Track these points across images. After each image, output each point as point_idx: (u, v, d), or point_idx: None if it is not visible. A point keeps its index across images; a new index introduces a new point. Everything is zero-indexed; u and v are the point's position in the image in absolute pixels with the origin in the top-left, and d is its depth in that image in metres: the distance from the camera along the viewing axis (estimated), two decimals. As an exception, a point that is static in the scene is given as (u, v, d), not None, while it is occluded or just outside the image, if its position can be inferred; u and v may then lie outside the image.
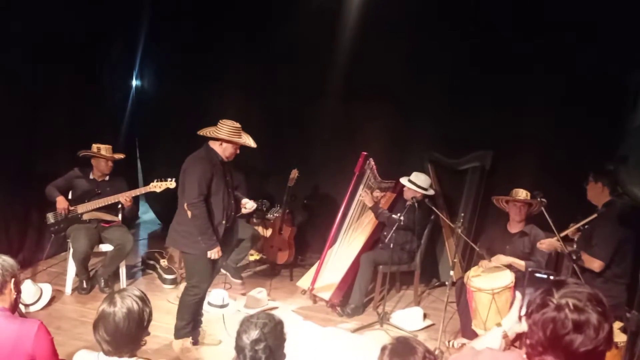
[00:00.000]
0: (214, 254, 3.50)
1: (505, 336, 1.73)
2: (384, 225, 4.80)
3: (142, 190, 4.74)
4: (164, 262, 5.15)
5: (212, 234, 3.47)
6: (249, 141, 3.55)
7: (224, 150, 3.52)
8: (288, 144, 5.99)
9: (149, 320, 2.08)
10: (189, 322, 3.65)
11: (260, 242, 5.55)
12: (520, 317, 1.71)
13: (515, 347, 1.83)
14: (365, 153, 4.50)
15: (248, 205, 3.77)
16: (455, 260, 4.55)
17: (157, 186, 4.53)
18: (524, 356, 1.47)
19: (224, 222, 3.55)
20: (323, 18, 5.33)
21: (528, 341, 1.45)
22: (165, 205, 6.33)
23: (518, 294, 1.76)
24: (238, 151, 3.56)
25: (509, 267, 4.03)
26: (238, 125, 3.52)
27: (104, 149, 4.68)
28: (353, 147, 5.24)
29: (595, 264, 3.30)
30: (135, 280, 5.15)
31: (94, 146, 4.68)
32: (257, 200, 4.31)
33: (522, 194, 4.11)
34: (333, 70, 5.53)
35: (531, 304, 1.46)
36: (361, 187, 4.76)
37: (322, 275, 4.58)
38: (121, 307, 2.00)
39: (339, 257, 4.80)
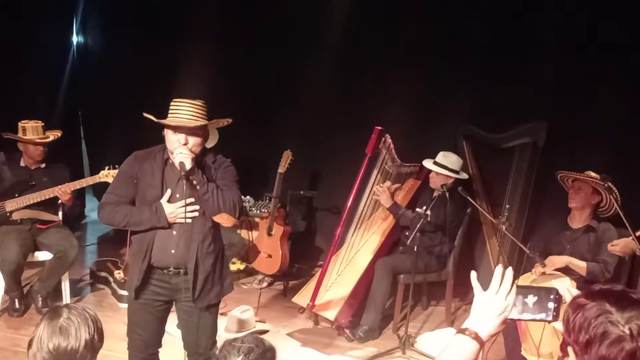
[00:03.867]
0: (165, 218, 3.04)
1: (477, 339, 1.64)
2: (407, 227, 4.77)
3: (89, 180, 4.71)
4: (119, 274, 5.13)
5: (139, 212, 3.10)
6: (178, 117, 3.01)
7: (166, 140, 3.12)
8: (278, 118, 5.99)
9: (99, 347, 2.15)
10: None
11: (245, 248, 5.55)
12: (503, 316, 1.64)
13: None
14: (379, 128, 4.48)
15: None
16: (499, 266, 4.57)
17: (108, 175, 4.49)
18: None
19: (142, 260, 3.11)
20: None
21: None
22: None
23: (497, 273, 1.68)
24: (183, 140, 3.01)
25: (567, 272, 4.05)
26: (179, 100, 3.08)
27: (31, 129, 4.64)
28: (364, 121, 5.23)
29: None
30: (83, 297, 5.14)
31: (20, 125, 4.67)
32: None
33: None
34: (337, 20, 5.53)
35: (582, 330, 1.42)
36: (375, 172, 4.75)
37: (325, 288, 4.57)
38: (67, 323, 2.07)
39: (346, 264, 4.81)
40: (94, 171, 5.26)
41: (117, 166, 4.40)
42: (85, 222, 7.01)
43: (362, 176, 4.54)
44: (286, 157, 5.31)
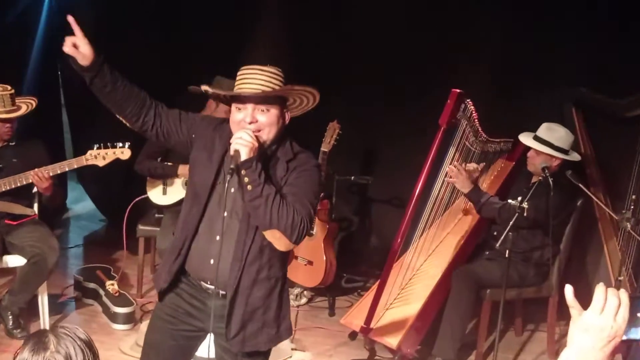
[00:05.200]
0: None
1: None
2: (493, 220, 4.73)
3: (72, 163, 4.71)
4: (111, 286, 5.15)
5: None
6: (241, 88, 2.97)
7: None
8: (320, 78, 5.78)
9: None
10: None
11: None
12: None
13: None
14: (458, 91, 4.38)
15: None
16: (620, 277, 4.55)
17: (98, 156, 4.52)
18: None
19: (175, 259, 3.07)
20: None
21: None
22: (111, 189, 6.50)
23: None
24: (249, 118, 2.88)
25: None
26: (246, 67, 2.98)
27: None
28: (436, 82, 5.24)
29: None
30: (65, 316, 5.16)
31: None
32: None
33: None
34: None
35: None
36: (452, 150, 4.65)
37: (384, 306, 4.55)
38: (56, 354, 2.04)
39: (413, 274, 4.80)
40: (79, 151, 5.31)
41: (109, 144, 4.52)
42: (68, 217, 7.14)
43: (434, 156, 4.45)
44: (332, 131, 5.21)
